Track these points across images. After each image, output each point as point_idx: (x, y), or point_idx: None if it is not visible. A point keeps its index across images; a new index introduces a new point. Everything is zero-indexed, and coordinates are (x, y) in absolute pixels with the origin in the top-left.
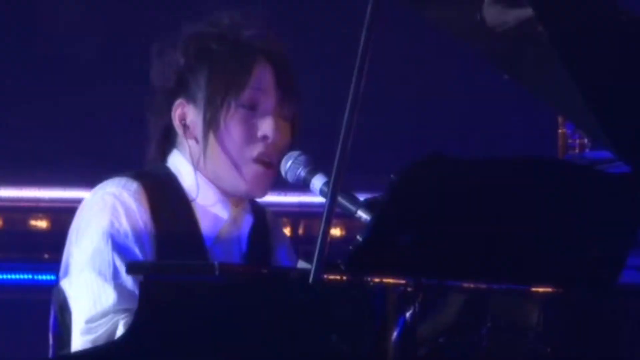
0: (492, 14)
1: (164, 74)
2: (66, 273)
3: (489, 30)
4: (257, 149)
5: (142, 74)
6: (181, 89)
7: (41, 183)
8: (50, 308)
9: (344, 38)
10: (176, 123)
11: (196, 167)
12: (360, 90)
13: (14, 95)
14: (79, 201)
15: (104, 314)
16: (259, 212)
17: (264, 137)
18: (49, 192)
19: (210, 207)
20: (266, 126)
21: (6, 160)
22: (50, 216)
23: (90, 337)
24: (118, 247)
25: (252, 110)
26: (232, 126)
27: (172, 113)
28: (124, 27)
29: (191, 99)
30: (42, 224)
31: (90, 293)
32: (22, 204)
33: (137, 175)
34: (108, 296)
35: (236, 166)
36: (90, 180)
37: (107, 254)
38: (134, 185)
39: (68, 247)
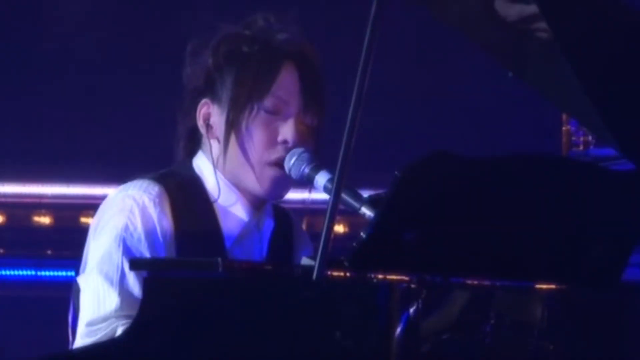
0: (499, 8)
1: (194, 73)
2: (83, 269)
3: (494, 27)
4: (276, 153)
5: (148, 72)
6: (208, 88)
7: (45, 179)
8: (55, 305)
9: (348, 35)
10: (200, 122)
11: (216, 166)
12: (364, 88)
13: (16, 92)
14: (82, 197)
15: (105, 319)
16: (283, 217)
17: (284, 142)
18: (53, 189)
19: (231, 208)
20: (287, 131)
21: (10, 157)
22: (53, 212)
23: (89, 340)
24: (129, 251)
25: (275, 114)
26: (254, 129)
27: (197, 112)
28: (126, 23)
29: (216, 99)
30: (45, 220)
31: (95, 296)
32: (25, 200)
33: (160, 178)
34: (112, 301)
35: (253, 168)
36: (94, 176)
37: (117, 258)
38: (155, 188)
39: (87, 243)
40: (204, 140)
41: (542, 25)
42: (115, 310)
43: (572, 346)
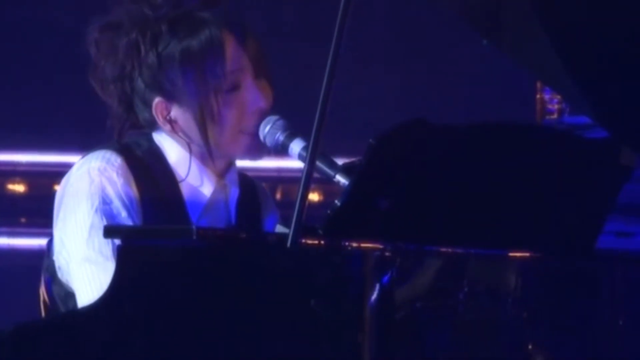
0: None
1: (116, 61)
2: (59, 247)
3: None
4: (251, 122)
5: None
6: (150, 84)
7: (19, 147)
8: (29, 274)
9: (323, 2)
10: (160, 120)
11: (190, 152)
12: (339, 54)
13: None
14: (57, 165)
15: None
16: (248, 185)
17: (258, 110)
18: (27, 156)
19: (195, 180)
20: (256, 101)
21: None
22: (27, 180)
23: None
24: (114, 223)
25: (236, 90)
26: (224, 111)
27: (153, 111)
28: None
29: (172, 99)
30: (19, 188)
31: (96, 275)
32: None
33: (121, 149)
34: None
35: (229, 142)
36: (68, 144)
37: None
38: (118, 160)
39: (57, 221)
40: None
41: None
42: None
43: (545, 314)
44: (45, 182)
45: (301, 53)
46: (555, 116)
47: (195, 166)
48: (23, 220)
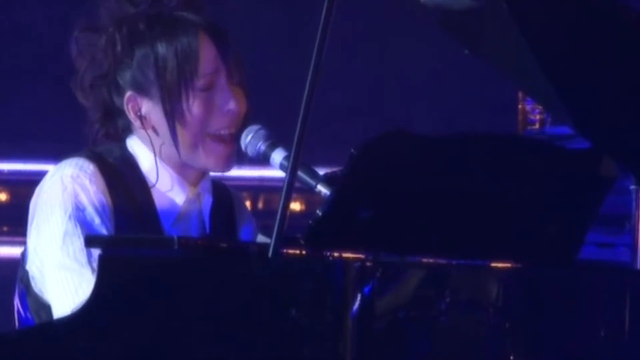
0: None
1: (94, 60)
2: (33, 256)
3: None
4: (220, 124)
5: None
6: (123, 78)
7: (1, 155)
8: (12, 283)
9: (304, 11)
10: (131, 116)
11: (157, 154)
12: (320, 64)
13: None
14: (40, 174)
15: None
16: (222, 192)
17: (228, 111)
18: (9, 165)
19: (168, 190)
20: (227, 101)
21: None
22: (10, 189)
23: None
24: (88, 230)
25: (209, 90)
26: (194, 110)
27: (125, 106)
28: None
29: (142, 92)
30: (1, 196)
31: (70, 281)
32: None
33: (94, 156)
34: (89, 281)
35: (200, 144)
36: (52, 152)
37: (78, 239)
38: (90, 167)
39: (31, 229)
40: (134, 128)
41: (498, 3)
42: None
43: (528, 325)
44: (28, 190)
45: (282, 62)
46: (537, 127)
47: (167, 174)
48: (5, 229)
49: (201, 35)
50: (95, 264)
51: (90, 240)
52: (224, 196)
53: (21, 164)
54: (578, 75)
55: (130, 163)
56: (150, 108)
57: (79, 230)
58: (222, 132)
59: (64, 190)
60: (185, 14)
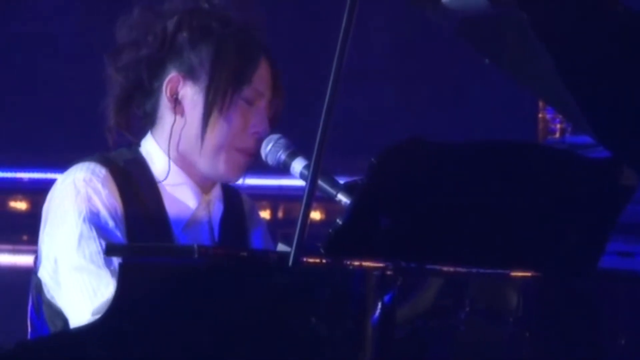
0: None
1: (146, 38)
2: (45, 262)
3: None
4: (246, 142)
5: None
6: (173, 61)
7: (21, 164)
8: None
9: (326, 16)
10: (167, 95)
11: (175, 144)
12: (341, 73)
13: None
14: None
15: (108, 302)
16: (233, 198)
17: (256, 133)
18: (29, 174)
19: (179, 194)
20: (259, 122)
21: None
22: (29, 198)
23: None
24: (102, 232)
25: (249, 105)
26: (230, 115)
27: (164, 85)
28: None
29: (191, 76)
30: (21, 205)
31: (88, 283)
32: (1, 186)
33: (106, 161)
34: (107, 284)
35: (219, 152)
36: (70, 162)
37: (94, 241)
38: (102, 171)
39: (43, 235)
40: (160, 117)
41: (519, 12)
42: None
43: (547, 334)
44: None
45: (303, 72)
46: (557, 136)
47: (181, 179)
48: (25, 237)
49: (263, 58)
50: (112, 266)
51: (111, 249)
52: (235, 202)
53: (40, 173)
54: (598, 84)
55: (142, 166)
56: (190, 93)
57: (95, 233)
58: (245, 150)
59: (77, 194)
60: (261, 37)
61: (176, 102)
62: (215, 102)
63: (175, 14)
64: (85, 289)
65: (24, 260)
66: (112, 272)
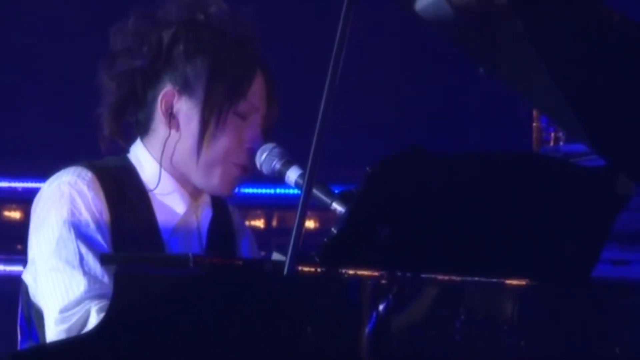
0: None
1: (141, 47)
2: (30, 266)
3: (464, 22)
4: (240, 156)
5: None
6: (167, 73)
7: (16, 174)
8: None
9: (321, 28)
10: (162, 110)
11: (163, 155)
12: (336, 82)
13: None
14: None
15: (77, 302)
16: (220, 205)
17: (250, 148)
18: (24, 183)
19: (168, 199)
20: (254, 137)
21: None
22: (24, 207)
23: (65, 326)
24: (81, 235)
25: (244, 119)
26: (225, 129)
27: (158, 99)
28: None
29: (185, 90)
30: (16, 215)
31: (61, 282)
32: None
33: (92, 165)
34: (79, 284)
35: (214, 167)
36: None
37: (72, 243)
38: (88, 174)
39: (29, 239)
40: (154, 127)
41: (514, 21)
42: (86, 292)
43: (542, 342)
44: None
45: (298, 81)
46: (551, 144)
47: (170, 184)
48: (19, 247)
49: (258, 72)
50: (87, 267)
51: (105, 259)
52: (223, 210)
53: (35, 183)
54: (593, 93)
55: (130, 171)
56: (184, 108)
57: (73, 235)
58: (239, 164)
59: (61, 196)
60: (257, 50)
61: (171, 117)
62: (211, 118)
63: (170, 24)
64: (58, 288)
65: (17, 269)
66: (84, 273)
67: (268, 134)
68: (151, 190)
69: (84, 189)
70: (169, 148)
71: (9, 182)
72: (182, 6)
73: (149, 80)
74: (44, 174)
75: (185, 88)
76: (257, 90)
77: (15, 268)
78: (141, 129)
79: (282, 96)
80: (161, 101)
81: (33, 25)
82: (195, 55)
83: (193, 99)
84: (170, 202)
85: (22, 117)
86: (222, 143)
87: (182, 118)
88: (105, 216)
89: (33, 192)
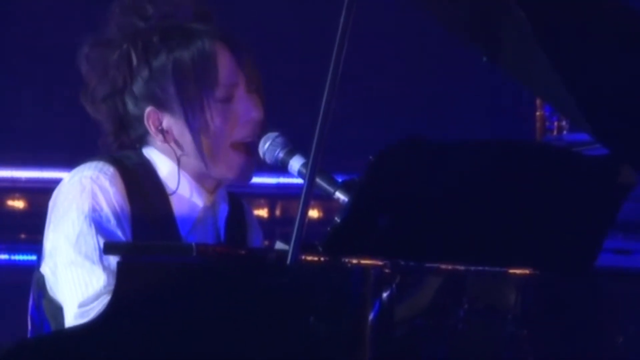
0: None
1: (107, 74)
2: (47, 258)
3: (467, 10)
4: (242, 133)
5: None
6: (143, 93)
7: (18, 163)
8: (29, 290)
9: (322, 17)
10: (152, 130)
11: (178, 164)
12: (338, 71)
13: None
14: (56, 182)
15: (96, 296)
16: (236, 202)
17: (250, 121)
18: (27, 173)
19: (186, 196)
20: (248, 111)
21: None
22: (27, 196)
23: (84, 320)
24: (101, 230)
25: (229, 101)
26: (217, 122)
27: (145, 121)
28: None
29: (162, 107)
30: (19, 204)
31: (80, 277)
32: None
33: (114, 160)
34: (98, 278)
35: (219, 154)
36: (68, 161)
37: (92, 238)
38: (110, 169)
39: (47, 232)
40: (152, 139)
41: (516, 10)
42: (105, 287)
43: (545, 332)
44: (44, 198)
45: (301, 69)
46: (555, 133)
47: (186, 181)
48: (23, 236)
49: (217, 45)
50: (107, 262)
51: (109, 247)
52: (237, 206)
53: (38, 172)
54: (597, 82)
55: (148, 169)
56: (172, 122)
57: (94, 230)
58: (244, 140)
59: (82, 191)
60: (198, 25)
61: (163, 133)
62: (198, 124)
63: (118, 43)
64: (77, 283)
65: (21, 259)
66: (104, 268)
67: (260, 95)
68: (173, 193)
69: (106, 184)
70: (179, 158)
71: (12, 171)
72: (121, 18)
73: (127, 102)
74: (47, 164)
75: (160, 106)
76: (226, 65)
77: (18, 257)
78: (143, 141)
79: (285, 84)
80: (148, 122)
81: (33, 14)
82: (150, 66)
83: (173, 112)
84: (188, 198)
85: (23, 106)
86: (219, 131)
87: (174, 131)
88: (126, 212)
89: (36, 182)
